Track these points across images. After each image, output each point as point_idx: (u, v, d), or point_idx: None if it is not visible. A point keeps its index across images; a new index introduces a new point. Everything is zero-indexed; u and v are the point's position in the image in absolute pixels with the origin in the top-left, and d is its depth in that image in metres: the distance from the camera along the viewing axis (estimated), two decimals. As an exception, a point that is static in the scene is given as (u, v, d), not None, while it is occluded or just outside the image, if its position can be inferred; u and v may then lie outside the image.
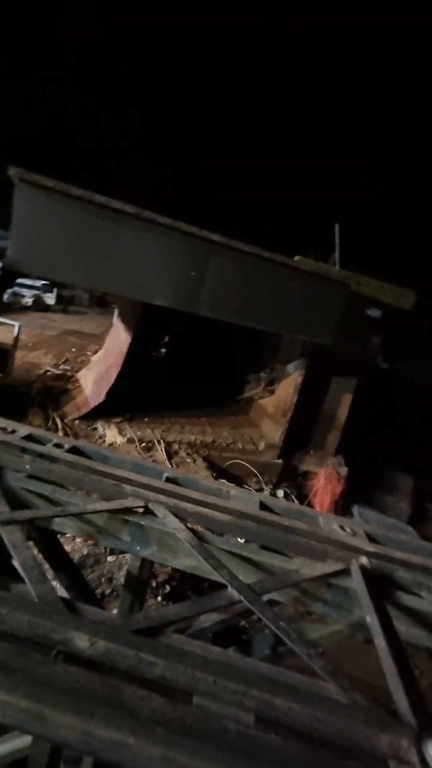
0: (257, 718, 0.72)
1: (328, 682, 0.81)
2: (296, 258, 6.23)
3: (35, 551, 1.24)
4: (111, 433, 6.04)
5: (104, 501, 1.31)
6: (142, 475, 1.48)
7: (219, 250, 5.22)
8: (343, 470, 7.10)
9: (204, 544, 1.15)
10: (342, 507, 6.86)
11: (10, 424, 1.63)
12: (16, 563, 0.91)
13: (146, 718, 0.70)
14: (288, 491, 6.81)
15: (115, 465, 1.55)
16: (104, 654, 0.75)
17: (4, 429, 1.56)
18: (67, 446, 1.57)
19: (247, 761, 0.67)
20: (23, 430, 1.61)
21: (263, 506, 1.49)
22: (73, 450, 1.57)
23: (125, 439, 5.94)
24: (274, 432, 6.97)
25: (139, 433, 6.11)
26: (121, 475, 1.44)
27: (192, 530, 1.21)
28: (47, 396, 6.61)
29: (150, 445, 6.03)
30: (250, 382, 8.26)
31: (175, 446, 6.26)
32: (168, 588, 3.56)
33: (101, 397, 6.06)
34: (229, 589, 0.99)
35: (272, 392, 7.48)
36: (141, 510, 1.26)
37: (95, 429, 6.14)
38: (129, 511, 1.24)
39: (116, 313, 7.55)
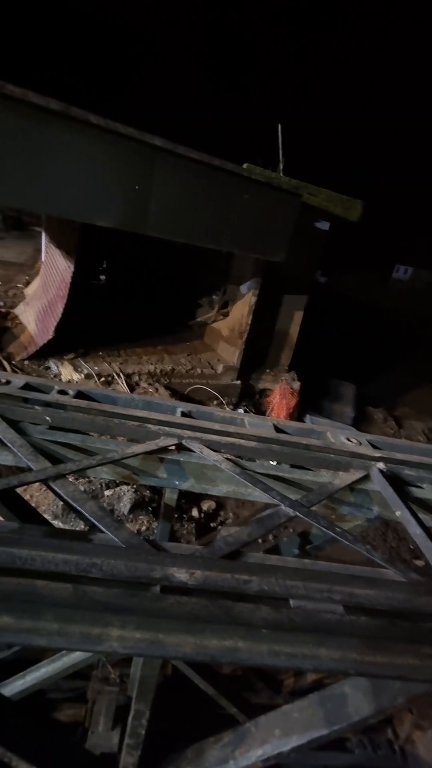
0: (345, 607, 0.84)
1: (388, 568, 0.95)
2: (245, 166, 5.79)
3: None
4: (66, 371, 5.77)
5: (133, 443, 1.29)
6: (158, 412, 1.47)
7: (164, 158, 4.68)
8: (296, 385, 7.57)
9: (246, 471, 1.20)
10: (296, 417, 7.44)
11: (2, 375, 1.48)
12: (85, 514, 0.90)
13: (255, 625, 0.78)
14: (247, 409, 7.18)
15: (126, 405, 1.51)
16: (205, 581, 0.81)
17: (-3, 380, 1.43)
18: (72, 392, 1.48)
19: (344, 638, 0.79)
20: (17, 380, 1.48)
21: (277, 429, 1.57)
22: (80, 395, 1.49)
23: (83, 375, 5.72)
24: (230, 354, 7.08)
25: (96, 367, 5.90)
26: (140, 415, 1.41)
27: (229, 460, 1.25)
28: (-15, 337, 6.01)
29: (110, 379, 5.89)
30: (202, 305, 8.09)
31: (135, 378, 6.17)
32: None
33: (50, 334, 5.64)
34: (283, 507, 1.08)
35: (226, 315, 7.44)
36: (174, 447, 1.27)
37: (48, 368, 5.81)
38: (164, 450, 1.24)
39: (45, 237, 6.73)
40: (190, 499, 4.71)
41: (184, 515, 4.63)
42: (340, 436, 1.61)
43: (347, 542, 1.00)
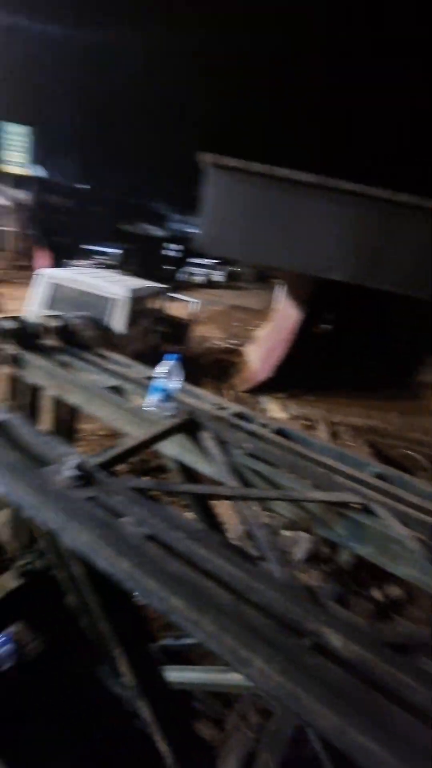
0: None
1: None
2: None
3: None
4: (274, 408, 6.18)
5: (316, 488, 1.30)
6: (349, 466, 1.43)
7: (405, 213, 4.56)
8: None
9: (439, 561, 1.03)
10: None
11: (219, 401, 1.77)
12: (258, 539, 0.98)
13: (400, 736, 0.66)
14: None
15: (319, 451, 1.53)
16: (358, 659, 0.74)
17: (217, 405, 1.71)
18: (272, 427, 1.62)
19: None
20: (233, 408, 1.73)
21: None
22: (279, 431, 1.61)
23: (288, 415, 6.00)
24: (456, 424, 6.00)
25: (301, 410, 6.09)
26: (329, 463, 1.41)
27: (420, 540, 1.10)
28: (217, 368, 7.15)
29: (312, 423, 5.95)
30: (426, 365, 7.24)
31: (339, 428, 6.02)
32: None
33: (268, 372, 6.22)
34: None
35: (458, 378, 6.40)
36: (358, 506, 1.21)
37: (260, 403, 6.38)
38: (345, 505, 1.20)
39: (282, 289, 7.53)
40: (374, 574, 4.16)
41: (362, 589, 4.11)
42: None
43: None
